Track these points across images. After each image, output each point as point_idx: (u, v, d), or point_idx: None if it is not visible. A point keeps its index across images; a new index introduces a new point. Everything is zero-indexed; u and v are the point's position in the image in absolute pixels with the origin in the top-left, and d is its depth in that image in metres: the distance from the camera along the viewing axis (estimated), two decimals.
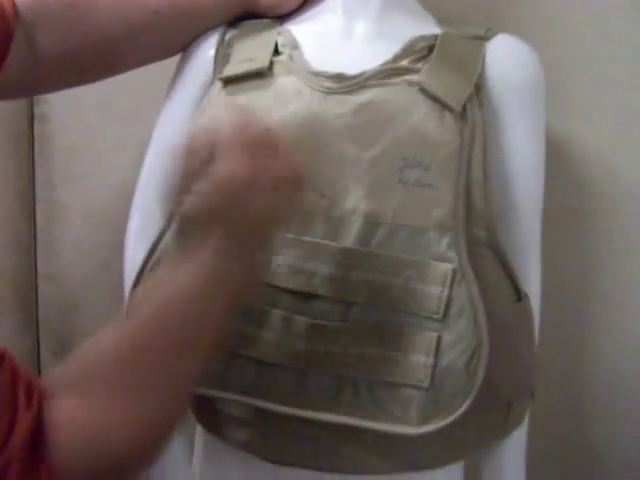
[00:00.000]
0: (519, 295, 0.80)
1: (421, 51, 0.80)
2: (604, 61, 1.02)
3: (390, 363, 0.76)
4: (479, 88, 0.79)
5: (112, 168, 1.17)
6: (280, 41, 0.83)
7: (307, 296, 0.77)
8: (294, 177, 0.70)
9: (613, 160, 1.04)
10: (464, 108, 0.77)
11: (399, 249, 0.76)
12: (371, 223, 0.76)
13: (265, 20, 0.87)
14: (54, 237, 1.22)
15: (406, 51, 0.80)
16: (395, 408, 0.76)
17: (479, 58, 0.80)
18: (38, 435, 0.57)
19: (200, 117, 0.83)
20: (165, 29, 0.86)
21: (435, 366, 0.75)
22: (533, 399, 0.84)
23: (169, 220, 0.81)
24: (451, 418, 0.74)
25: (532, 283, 0.84)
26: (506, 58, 0.82)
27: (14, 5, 0.78)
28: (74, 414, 0.59)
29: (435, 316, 0.75)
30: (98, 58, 0.85)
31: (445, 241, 0.76)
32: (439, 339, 0.75)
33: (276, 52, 0.82)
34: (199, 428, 0.88)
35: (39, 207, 1.22)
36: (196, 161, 0.67)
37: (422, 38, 0.81)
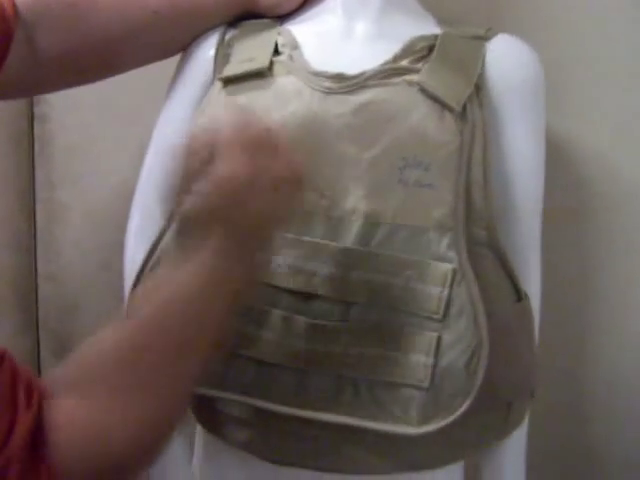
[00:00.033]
0: (519, 295, 0.80)
1: (421, 51, 0.80)
2: (604, 61, 1.02)
3: (390, 363, 0.76)
4: (479, 88, 0.79)
5: (112, 168, 1.17)
6: (280, 41, 0.83)
7: (307, 296, 0.77)
8: (294, 177, 0.70)
9: (613, 160, 1.04)
10: (464, 108, 0.77)
11: (399, 249, 0.76)
12: (371, 223, 0.76)
13: (265, 20, 0.87)
14: (54, 237, 1.22)
15: (406, 51, 0.80)
16: (395, 408, 0.76)
17: (479, 58, 0.80)
18: (38, 435, 0.57)
19: (200, 117, 0.83)
20: (165, 29, 0.86)
21: (435, 366, 0.75)
22: (533, 399, 0.84)
23: (169, 220, 0.81)
24: (451, 418, 0.74)
25: (532, 283, 0.84)
26: (506, 58, 0.82)
27: (14, 5, 0.78)
28: (74, 414, 0.59)
29: (435, 316, 0.75)
30: (98, 58, 0.85)
31: (445, 241, 0.76)
32: (439, 339, 0.75)
33: (276, 52, 0.82)
34: (199, 428, 0.88)
35: (39, 207, 1.22)
36: (196, 161, 0.67)
37: (422, 38, 0.81)
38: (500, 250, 0.78)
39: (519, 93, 0.82)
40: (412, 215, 0.76)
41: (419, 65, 0.79)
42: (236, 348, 0.78)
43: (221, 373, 0.78)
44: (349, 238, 0.76)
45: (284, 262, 0.77)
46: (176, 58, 0.89)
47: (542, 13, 1.03)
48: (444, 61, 0.79)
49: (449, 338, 0.75)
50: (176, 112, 0.87)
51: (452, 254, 0.75)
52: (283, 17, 0.88)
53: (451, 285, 0.75)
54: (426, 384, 0.75)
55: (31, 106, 1.19)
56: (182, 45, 0.88)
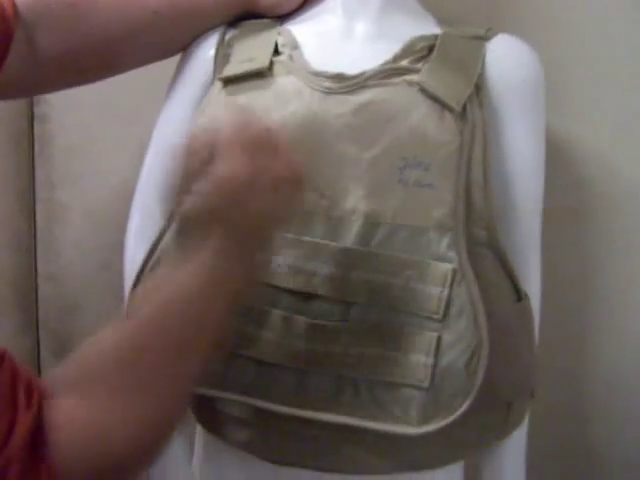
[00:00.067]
0: (519, 295, 0.80)
1: (421, 51, 0.80)
2: (604, 61, 1.02)
3: (390, 363, 0.76)
4: (479, 88, 0.79)
5: (112, 168, 1.17)
6: (280, 41, 0.83)
7: (307, 296, 0.77)
8: (294, 177, 0.70)
9: (613, 160, 1.04)
10: (464, 108, 0.77)
11: (399, 249, 0.76)
12: (371, 223, 0.76)
13: (265, 20, 0.87)
14: (54, 237, 1.22)
15: (406, 51, 0.80)
16: (395, 408, 0.76)
17: (479, 58, 0.80)
18: (38, 435, 0.57)
19: (200, 117, 0.83)
20: (165, 29, 0.86)
21: (435, 366, 0.75)
22: (533, 399, 0.84)
23: (169, 220, 0.81)
24: (451, 418, 0.74)
25: (532, 283, 0.84)
26: (506, 58, 0.82)
27: (14, 5, 0.78)
28: (74, 414, 0.59)
29: (435, 316, 0.75)
30: (98, 58, 0.85)
31: (445, 241, 0.75)
32: (439, 339, 0.75)
33: (276, 52, 0.82)
34: (199, 428, 0.88)
35: (39, 207, 1.22)
36: (196, 161, 0.67)
37: (422, 38, 0.81)
38: (500, 250, 0.78)
39: (519, 93, 0.82)
40: (412, 215, 0.76)
41: (419, 65, 0.79)
42: (236, 348, 0.78)
43: (221, 373, 0.78)
44: (349, 238, 0.76)
45: (284, 262, 0.77)
46: (176, 58, 0.89)
47: (542, 13, 1.03)
48: (444, 61, 0.79)
49: (449, 338, 0.75)
50: (176, 112, 0.87)
51: (452, 254, 0.75)
52: (283, 17, 0.88)
53: (451, 285, 0.75)
54: (426, 384, 0.75)
55: (31, 106, 1.18)
56: (182, 45, 0.88)
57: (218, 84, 0.83)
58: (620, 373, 1.09)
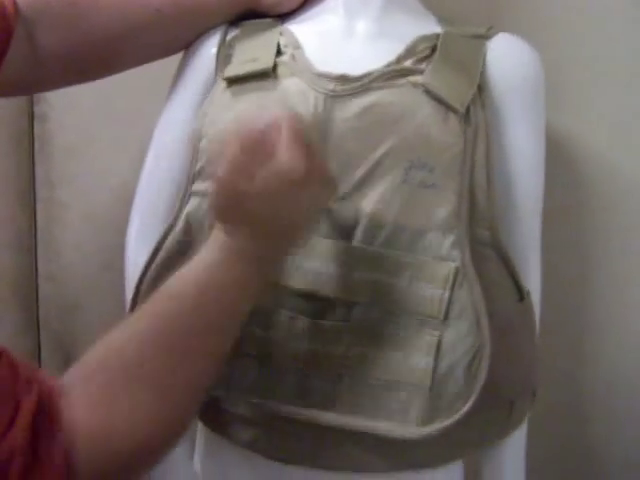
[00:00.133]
0: (521, 294, 0.80)
1: (424, 51, 0.80)
2: (603, 61, 1.02)
3: (391, 364, 0.76)
4: (481, 89, 0.79)
5: (112, 168, 1.17)
6: (282, 41, 0.83)
7: (310, 296, 0.77)
8: (324, 178, 0.69)
9: (612, 159, 1.04)
10: (467, 110, 0.77)
11: (402, 249, 0.76)
12: (375, 223, 0.76)
13: (266, 20, 0.87)
14: (54, 237, 1.22)
15: (409, 52, 0.80)
16: (396, 409, 0.76)
17: (480, 57, 0.80)
18: (41, 429, 0.57)
19: (202, 117, 0.82)
20: (168, 27, 0.86)
21: (437, 367, 0.75)
22: (534, 398, 0.84)
23: (174, 220, 0.81)
24: (452, 420, 0.75)
25: (532, 282, 0.84)
26: (507, 57, 0.82)
27: (14, 2, 0.78)
28: (87, 412, 0.59)
29: (437, 317, 0.75)
30: (99, 56, 0.85)
31: (448, 241, 0.76)
32: (441, 340, 0.75)
33: (278, 52, 0.82)
34: (200, 425, 0.88)
35: (39, 207, 1.22)
36: (248, 153, 0.65)
37: (424, 38, 0.81)
38: (502, 250, 0.78)
39: (520, 92, 0.82)
40: (416, 215, 0.76)
41: (422, 66, 0.79)
42: (240, 347, 0.78)
43: (225, 373, 0.78)
44: (353, 238, 0.76)
45: (288, 261, 0.77)
46: (177, 57, 0.89)
47: (542, 13, 1.03)
48: (446, 61, 0.79)
49: (451, 339, 0.75)
50: (177, 114, 0.87)
51: (455, 253, 0.75)
52: (284, 17, 0.88)
53: (452, 286, 0.75)
54: (428, 385, 0.75)
55: (31, 105, 1.19)
56: (185, 43, 0.87)
57: (221, 84, 0.82)
58: (620, 373, 1.09)
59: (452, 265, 0.75)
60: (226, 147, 0.66)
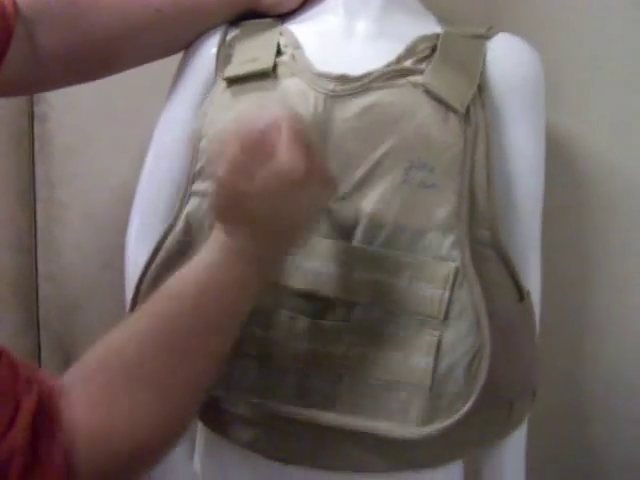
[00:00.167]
0: (521, 294, 0.80)
1: (424, 51, 0.80)
2: (603, 61, 1.02)
3: (391, 364, 0.76)
4: (481, 89, 0.79)
5: (112, 168, 1.17)
6: (282, 41, 0.83)
7: (310, 296, 0.77)
8: (325, 178, 0.69)
9: (611, 159, 1.05)
10: (467, 110, 0.77)
11: (402, 249, 0.76)
12: (375, 223, 0.76)
13: (266, 20, 0.87)
14: (54, 237, 1.22)
15: (409, 52, 0.80)
16: (396, 409, 0.76)
17: (480, 57, 0.81)
18: (41, 429, 0.57)
19: (203, 118, 0.82)
20: (168, 27, 0.86)
21: (437, 367, 0.75)
22: (534, 398, 0.84)
23: (174, 220, 0.81)
24: (452, 420, 0.75)
25: (532, 282, 0.84)
26: (507, 57, 0.82)
27: (14, 2, 0.78)
28: (88, 412, 0.59)
29: (437, 317, 0.75)
30: (98, 56, 0.85)
31: (448, 241, 0.76)
32: (441, 340, 0.75)
33: (278, 52, 0.82)
34: (200, 425, 0.88)
35: (39, 207, 1.22)
36: (249, 153, 0.65)
37: (424, 38, 0.81)
38: (503, 250, 0.78)
39: (520, 92, 0.82)
40: (416, 215, 0.76)
41: (422, 66, 0.79)
42: (239, 347, 0.78)
43: (225, 373, 0.78)
44: (353, 238, 0.76)
45: (288, 261, 0.77)
46: (177, 57, 0.89)
47: (541, 13, 1.03)
48: (447, 61, 0.79)
49: (451, 339, 0.75)
50: (177, 114, 0.87)
51: (456, 253, 0.75)
52: (284, 17, 0.88)
53: (452, 286, 0.75)
54: (428, 385, 0.75)
55: (31, 105, 1.19)
56: (185, 43, 0.87)
57: (221, 84, 0.82)
58: (619, 373, 1.09)
59: (452, 265, 0.75)
60: (226, 147, 0.66)
